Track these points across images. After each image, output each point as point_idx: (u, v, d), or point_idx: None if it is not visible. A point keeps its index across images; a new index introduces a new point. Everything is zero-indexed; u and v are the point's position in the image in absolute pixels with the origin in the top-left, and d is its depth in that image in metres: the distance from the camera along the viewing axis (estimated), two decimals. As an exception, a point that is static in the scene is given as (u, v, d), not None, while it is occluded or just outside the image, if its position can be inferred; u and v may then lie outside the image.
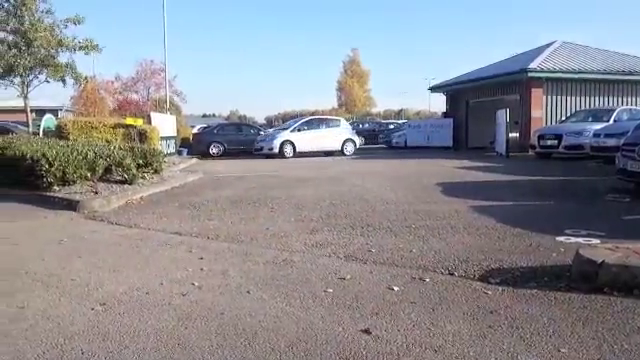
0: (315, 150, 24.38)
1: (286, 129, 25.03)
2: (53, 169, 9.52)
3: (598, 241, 5.62)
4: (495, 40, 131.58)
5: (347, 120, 46.38)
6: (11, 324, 3.73)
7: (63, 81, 17.09)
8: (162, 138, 19.48)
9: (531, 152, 19.70)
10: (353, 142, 25.66)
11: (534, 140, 19.20)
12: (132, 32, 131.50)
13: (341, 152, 24.84)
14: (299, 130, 24.49)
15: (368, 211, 8.08)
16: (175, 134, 24.08)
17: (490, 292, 4.21)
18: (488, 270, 4.81)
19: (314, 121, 26.49)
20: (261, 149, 23.79)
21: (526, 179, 12.22)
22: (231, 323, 3.66)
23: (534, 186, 10.93)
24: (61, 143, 11.70)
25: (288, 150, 23.62)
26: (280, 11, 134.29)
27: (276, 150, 23.39)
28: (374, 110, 79.31)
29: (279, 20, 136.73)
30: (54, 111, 29.93)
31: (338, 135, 25.23)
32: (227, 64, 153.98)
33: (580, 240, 5.77)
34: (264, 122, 79.29)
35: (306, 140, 24.21)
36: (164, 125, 21.06)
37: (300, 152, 23.78)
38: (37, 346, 3.35)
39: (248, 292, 4.36)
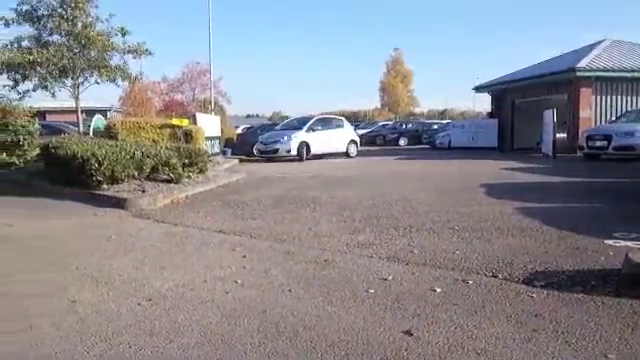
0: (325, 152, 22.57)
1: (298, 129, 22.47)
2: (102, 168, 9.76)
3: (649, 245, 5.46)
4: (542, 40, 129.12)
5: (390, 120, 46.00)
6: (63, 317, 3.87)
7: (114, 82, 17.49)
8: (207, 138, 19.68)
9: (579, 153, 19.21)
10: (356, 143, 24.41)
11: (582, 141, 18.71)
12: (179, 33, 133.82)
13: (345, 154, 23.30)
14: (313, 130, 22.55)
15: (410, 212, 8.03)
16: (219, 134, 24.29)
17: (535, 295, 4.14)
18: (533, 273, 4.73)
19: (324, 120, 24.44)
20: (275, 152, 21.59)
21: (573, 181, 11.94)
22: (273, 321, 3.70)
23: (581, 188, 10.68)
24: (110, 143, 11.95)
25: (305, 152, 21.59)
26: (326, 11, 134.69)
27: (294, 152, 21.44)
28: (417, 110, 78.75)
29: (323, 20, 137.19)
30: (103, 112, 30.70)
31: (344, 135, 23.78)
32: (271, 65, 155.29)
33: (629, 244, 5.60)
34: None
35: (319, 141, 22.32)
36: (209, 125, 21.28)
37: (313, 154, 22.00)
38: (87, 339, 3.46)
39: (290, 291, 4.40)
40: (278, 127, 25.43)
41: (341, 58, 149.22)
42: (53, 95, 16.79)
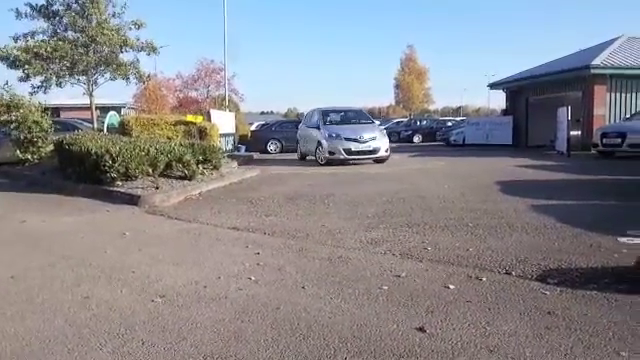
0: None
1: (329, 124, 17.89)
2: (116, 165, 9.82)
3: (664, 243, 5.42)
4: (558, 36, 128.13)
5: (404, 117, 45.82)
6: (76, 313, 3.91)
7: (127, 79, 17.60)
8: (221, 135, 19.79)
9: (593, 151, 19.03)
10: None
11: (596, 138, 18.54)
12: (194, 31, 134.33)
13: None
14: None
15: (424, 209, 8.01)
16: (234, 131, 24.42)
17: (548, 293, 4.13)
18: (546, 270, 4.71)
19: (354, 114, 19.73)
20: (332, 153, 16.66)
21: (587, 178, 11.85)
22: (286, 318, 3.72)
23: (596, 185, 10.59)
24: (124, 139, 12.04)
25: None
26: (339, 8, 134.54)
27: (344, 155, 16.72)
28: (432, 107, 78.40)
29: (338, 18, 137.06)
30: (117, 108, 30.82)
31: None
32: (286, 62, 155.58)
33: (644, 241, 5.58)
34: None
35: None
36: (223, 122, 21.40)
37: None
38: (100, 335, 3.49)
39: (303, 288, 4.41)
40: (310, 121, 19.16)
41: (356, 55, 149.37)
42: (60, 85, 16.86)
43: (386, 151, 17.02)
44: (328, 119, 18.25)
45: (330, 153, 16.65)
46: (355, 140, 16.59)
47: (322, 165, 16.78)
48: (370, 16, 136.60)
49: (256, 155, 22.92)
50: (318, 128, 17.59)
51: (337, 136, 16.73)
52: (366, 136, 16.80)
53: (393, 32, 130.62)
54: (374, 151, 16.77)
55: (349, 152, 16.52)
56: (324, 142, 16.86)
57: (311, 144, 18.20)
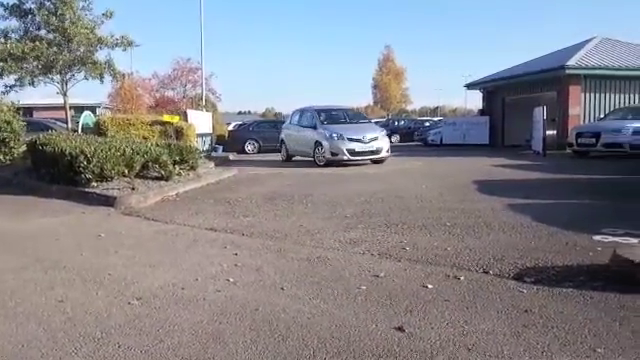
0: None
1: (327, 124, 17.18)
2: (91, 165, 9.68)
3: (636, 240, 5.50)
4: (536, 36, 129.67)
5: (382, 117, 45.91)
6: (50, 317, 3.84)
7: (102, 78, 17.41)
8: (198, 135, 19.68)
9: (568, 150, 19.29)
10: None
11: (572, 138, 18.80)
12: (171, 30, 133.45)
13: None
14: None
15: (403, 209, 8.04)
16: (211, 131, 24.30)
17: (525, 291, 4.16)
18: (523, 269, 4.75)
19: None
20: (335, 154, 16.02)
21: (563, 177, 12.00)
22: (265, 319, 3.69)
23: (571, 184, 10.73)
24: (99, 140, 11.90)
25: None
26: (318, 8, 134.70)
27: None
28: (410, 107, 78.91)
29: (316, 18, 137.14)
30: (92, 108, 30.52)
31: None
32: (263, 62, 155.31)
33: (618, 239, 5.64)
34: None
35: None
36: (200, 122, 21.27)
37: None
38: (75, 339, 3.43)
39: (282, 289, 4.39)
40: (301, 121, 18.52)
41: (334, 55, 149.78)
42: (33, 85, 16.67)
43: (387, 151, 16.75)
44: (325, 119, 17.59)
45: (332, 154, 16.06)
46: (358, 140, 16.13)
47: (321, 166, 16.16)
48: (349, 16, 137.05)
49: (232, 156, 22.76)
50: (314, 128, 17.12)
51: (340, 136, 16.12)
52: (369, 136, 16.40)
53: (372, 32, 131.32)
54: (377, 151, 16.40)
55: (353, 153, 16.02)
56: (325, 142, 16.24)
57: (304, 145, 17.58)
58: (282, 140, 19.77)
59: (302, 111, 19.20)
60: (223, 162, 18.88)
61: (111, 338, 3.43)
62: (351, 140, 16.03)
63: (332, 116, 18.12)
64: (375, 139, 16.44)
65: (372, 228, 6.70)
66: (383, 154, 16.53)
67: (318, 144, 16.58)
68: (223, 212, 8.21)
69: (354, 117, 18.78)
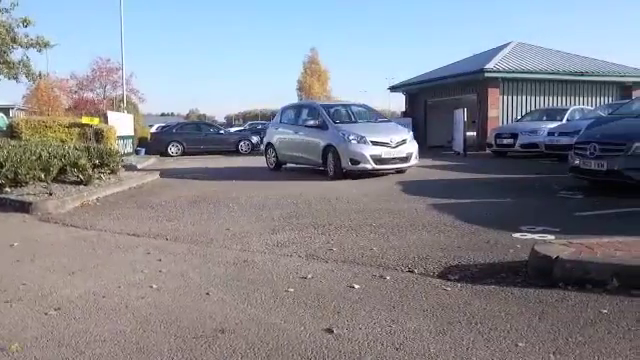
0: None
1: (340, 123, 13.51)
2: (4, 170, 9.22)
3: (553, 237, 5.72)
4: (457, 40, 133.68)
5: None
6: (-40, 331, 3.60)
7: (16, 79, 16.65)
8: (119, 137, 19.13)
9: (488, 150, 20.05)
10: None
11: (491, 139, 19.57)
12: (89, 31, 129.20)
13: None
14: None
15: (329, 210, 8.08)
16: (133, 133, 23.65)
17: (449, 289, 4.25)
18: (447, 267, 4.86)
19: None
20: (356, 162, 12.34)
21: (483, 177, 12.40)
22: (191, 326, 3.60)
23: (491, 184, 11.10)
24: (13, 143, 11.39)
25: None
26: (241, 10, 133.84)
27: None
28: (334, 109, 79.36)
29: (240, 19, 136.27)
30: (5, 110, 29.19)
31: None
32: (186, 63, 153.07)
33: (536, 236, 5.86)
34: (224, 121, 78.98)
35: None
36: (121, 124, 20.66)
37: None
38: (-12, 353, 3.23)
39: (208, 294, 4.30)
40: (300, 119, 14.91)
41: (260, 57, 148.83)
42: None
43: (416, 158, 13.25)
44: (336, 117, 13.85)
45: (352, 162, 12.34)
46: (385, 144, 12.53)
47: (334, 179, 12.44)
48: (276, 20, 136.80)
49: (157, 158, 22.22)
50: (321, 128, 13.39)
51: (361, 139, 12.45)
52: (396, 139, 12.79)
53: (298, 35, 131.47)
54: (407, 158, 12.89)
55: (378, 160, 12.40)
56: (342, 147, 12.49)
57: (307, 150, 13.95)
58: (269, 144, 15.99)
59: (299, 107, 16.06)
60: (146, 165, 18.36)
61: (27, 352, 3.24)
62: (375, 144, 12.48)
63: (343, 113, 14.60)
64: (403, 142, 12.91)
65: (299, 230, 6.68)
66: (412, 161, 13.11)
67: (329, 149, 12.92)
68: (146, 217, 7.99)
69: (371, 115, 15.06)
